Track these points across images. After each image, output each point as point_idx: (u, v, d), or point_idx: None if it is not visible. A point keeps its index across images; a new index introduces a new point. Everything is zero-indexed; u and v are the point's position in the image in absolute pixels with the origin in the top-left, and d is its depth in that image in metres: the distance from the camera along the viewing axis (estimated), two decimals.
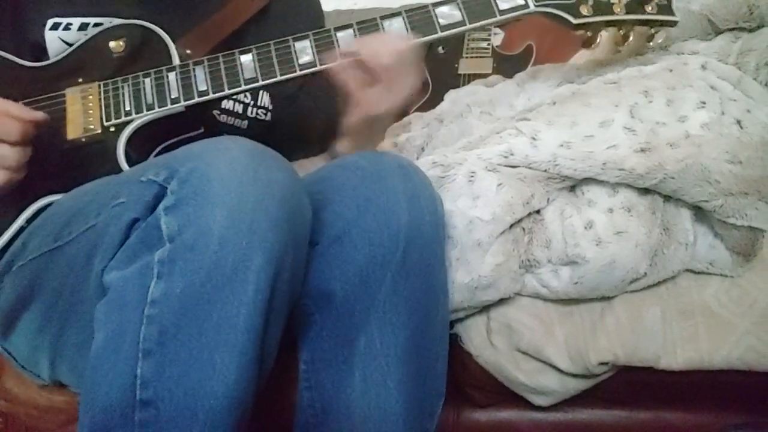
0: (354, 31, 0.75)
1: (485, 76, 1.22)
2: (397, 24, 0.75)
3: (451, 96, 0.97)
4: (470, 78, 1.40)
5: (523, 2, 0.76)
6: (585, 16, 0.76)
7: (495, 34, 1.48)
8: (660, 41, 0.79)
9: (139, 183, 0.59)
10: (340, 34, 0.75)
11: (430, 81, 1.47)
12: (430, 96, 1.44)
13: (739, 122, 0.75)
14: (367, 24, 0.75)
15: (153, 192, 0.57)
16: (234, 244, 0.52)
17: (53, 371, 0.71)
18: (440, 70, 1.47)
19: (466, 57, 1.46)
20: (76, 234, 0.64)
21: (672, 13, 0.77)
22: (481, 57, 1.46)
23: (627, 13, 0.76)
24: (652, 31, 0.79)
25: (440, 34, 0.75)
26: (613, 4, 0.76)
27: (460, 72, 1.45)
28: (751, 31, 0.84)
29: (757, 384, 0.75)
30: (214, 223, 0.53)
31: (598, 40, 0.78)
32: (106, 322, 0.55)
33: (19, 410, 0.79)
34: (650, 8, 0.76)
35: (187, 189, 0.54)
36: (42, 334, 0.68)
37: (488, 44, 1.46)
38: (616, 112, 0.75)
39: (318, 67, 0.75)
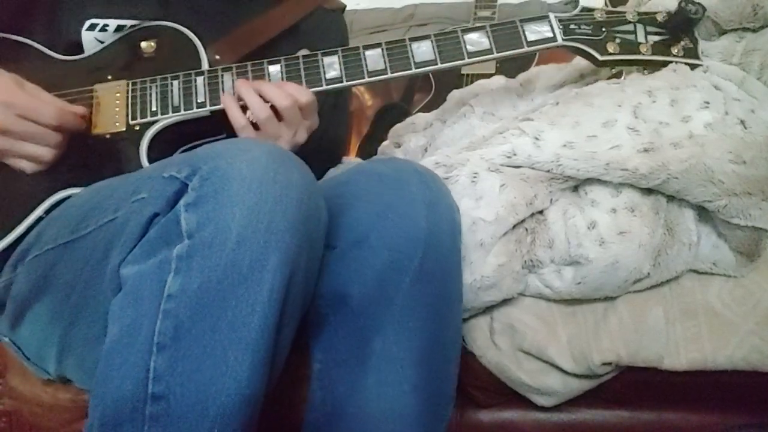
0: (383, 51, 0.76)
1: (488, 76, 1.22)
2: (425, 47, 0.76)
3: (454, 96, 0.97)
4: (473, 78, 1.40)
5: (551, 35, 0.77)
6: (611, 54, 0.77)
7: None
8: None
9: (161, 179, 0.60)
10: (368, 53, 0.76)
11: (433, 81, 1.47)
12: (432, 96, 1.44)
13: (742, 122, 0.75)
14: (396, 44, 0.76)
15: (174, 188, 0.58)
16: (251, 243, 0.53)
17: (60, 366, 0.71)
18: (443, 70, 1.47)
19: None
20: (93, 227, 0.64)
21: (698, 57, 0.78)
22: None
23: (653, 53, 0.77)
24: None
25: (467, 60, 0.76)
26: (640, 44, 0.77)
27: (463, 72, 1.45)
28: (755, 31, 0.83)
29: (760, 384, 0.75)
30: (233, 221, 0.53)
31: (623, 77, 0.79)
32: (121, 315, 0.55)
33: (24, 408, 0.79)
34: (676, 50, 0.77)
35: (207, 186, 0.55)
36: (52, 326, 0.68)
37: None
38: (619, 112, 0.75)
39: (345, 83, 0.76)
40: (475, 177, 0.73)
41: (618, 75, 0.80)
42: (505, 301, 0.76)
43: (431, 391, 0.64)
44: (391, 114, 1.43)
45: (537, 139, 0.74)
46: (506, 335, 0.77)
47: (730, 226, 0.73)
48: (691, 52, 0.78)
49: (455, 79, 1.44)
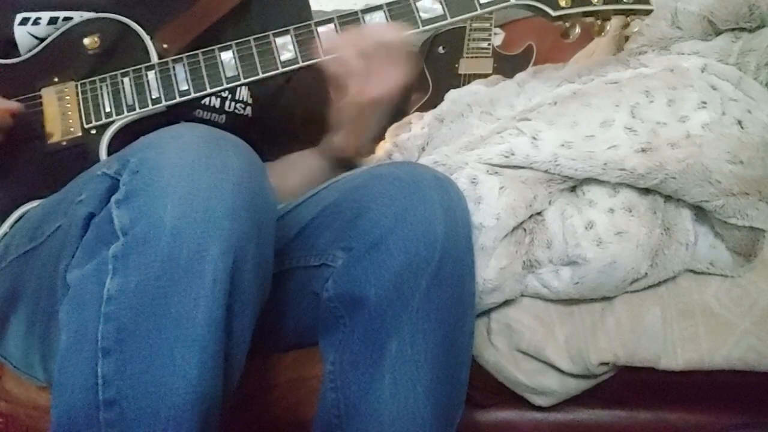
0: (335, 26, 0.74)
1: (486, 76, 1.22)
2: (378, 18, 0.74)
3: (451, 96, 0.97)
4: (470, 78, 1.40)
5: None
6: (563, 8, 0.76)
7: (495, 34, 1.48)
8: (636, 30, 0.80)
9: (95, 177, 0.58)
10: (321, 29, 0.74)
11: (430, 81, 1.47)
12: (430, 96, 1.44)
13: (739, 122, 0.75)
14: (349, 18, 0.74)
15: (106, 185, 0.56)
16: (188, 235, 0.51)
17: (46, 372, 0.71)
18: (440, 70, 1.47)
19: (467, 57, 1.46)
20: (47, 234, 0.64)
21: (647, 2, 0.77)
22: (481, 57, 1.45)
23: (605, 3, 0.77)
24: (628, 19, 0.79)
25: (422, 28, 0.75)
26: None
27: (460, 72, 1.45)
28: (751, 31, 0.84)
29: (757, 384, 0.75)
30: (165, 213, 0.51)
31: (577, 31, 0.79)
32: (68, 322, 0.54)
33: (20, 411, 0.79)
34: None
35: (137, 180, 0.53)
36: (30, 335, 0.68)
37: (489, 44, 1.46)
38: (617, 112, 0.75)
39: (300, 64, 0.74)
40: (474, 180, 0.73)
41: (572, 28, 0.78)
42: (503, 301, 0.76)
43: (444, 394, 0.64)
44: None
45: (535, 138, 0.74)
46: (503, 335, 0.77)
47: (727, 226, 0.73)
48: None
49: (452, 79, 1.44)
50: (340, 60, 0.72)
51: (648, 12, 0.78)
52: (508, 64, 1.43)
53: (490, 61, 1.45)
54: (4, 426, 0.80)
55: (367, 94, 0.72)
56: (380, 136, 0.83)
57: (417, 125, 0.95)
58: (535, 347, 0.75)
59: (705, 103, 0.75)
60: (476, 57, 1.46)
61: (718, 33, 0.85)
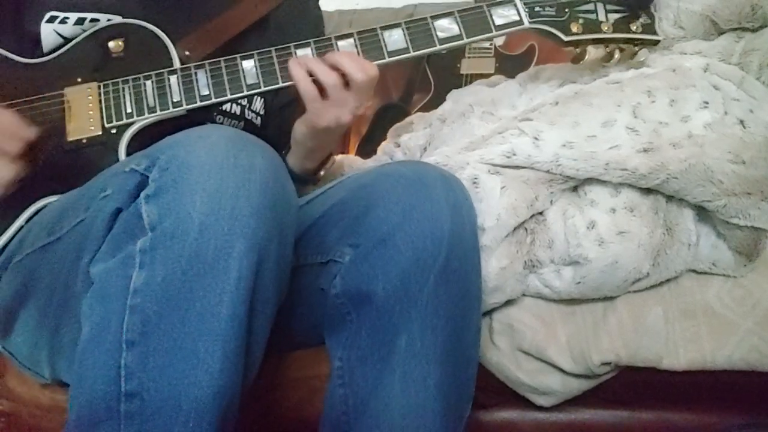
0: (354, 41, 0.75)
1: (487, 76, 1.22)
2: (396, 35, 0.76)
3: (453, 96, 0.97)
4: (472, 78, 1.40)
5: (517, 18, 0.78)
6: (575, 34, 0.78)
7: None
8: (642, 59, 0.83)
9: (122, 173, 0.59)
10: (341, 43, 0.75)
11: (432, 81, 1.47)
12: (432, 96, 1.44)
13: (742, 122, 0.75)
14: (368, 34, 0.76)
15: (135, 181, 0.57)
16: (215, 231, 0.52)
17: (53, 369, 0.71)
18: (442, 70, 1.47)
19: (469, 57, 1.46)
20: (67, 229, 0.64)
21: (655, 33, 0.80)
22: (483, 57, 1.45)
23: (614, 31, 0.79)
24: (636, 48, 0.82)
25: (439, 47, 0.76)
26: (601, 22, 0.79)
27: (462, 72, 1.45)
28: (754, 30, 0.84)
29: (759, 384, 0.75)
30: (193, 210, 0.53)
31: (586, 57, 0.82)
32: (90, 314, 0.55)
33: (22, 410, 0.79)
34: (635, 27, 0.79)
35: (166, 177, 0.54)
36: (39, 331, 0.68)
37: (491, 44, 1.45)
38: (618, 112, 0.75)
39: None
40: (475, 180, 0.73)
41: (582, 55, 0.82)
42: (505, 301, 0.76)
43: (453, 389, 0.64)
44: (390, 114, 1.43)
45: (536, 139, 0.74)
46: (505, 335, 0.77)
47: (730, 226, 0.73)
48: (649, 28, 0.80)
49: (454, 79, 1.44)
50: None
51: (656, 42, 0.81)
52: (510, 64, 1.43)
53: (492, 61, 1.45)
54: (6, 425, 0.80)
55: (323, 121, 0.73)
56: (326, 159, 0.85)
57: (419, 125, 0.96)
58: (537, 347, 0.75)
59: (707, 102, 0.75)
60: (478, 57, 1.46)
61: (721, 33, 0.85)
